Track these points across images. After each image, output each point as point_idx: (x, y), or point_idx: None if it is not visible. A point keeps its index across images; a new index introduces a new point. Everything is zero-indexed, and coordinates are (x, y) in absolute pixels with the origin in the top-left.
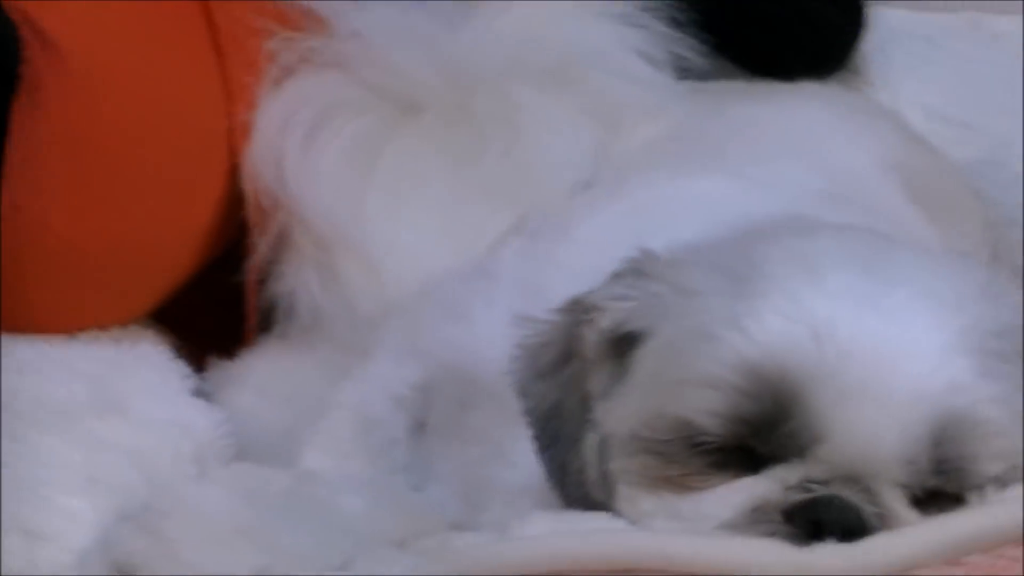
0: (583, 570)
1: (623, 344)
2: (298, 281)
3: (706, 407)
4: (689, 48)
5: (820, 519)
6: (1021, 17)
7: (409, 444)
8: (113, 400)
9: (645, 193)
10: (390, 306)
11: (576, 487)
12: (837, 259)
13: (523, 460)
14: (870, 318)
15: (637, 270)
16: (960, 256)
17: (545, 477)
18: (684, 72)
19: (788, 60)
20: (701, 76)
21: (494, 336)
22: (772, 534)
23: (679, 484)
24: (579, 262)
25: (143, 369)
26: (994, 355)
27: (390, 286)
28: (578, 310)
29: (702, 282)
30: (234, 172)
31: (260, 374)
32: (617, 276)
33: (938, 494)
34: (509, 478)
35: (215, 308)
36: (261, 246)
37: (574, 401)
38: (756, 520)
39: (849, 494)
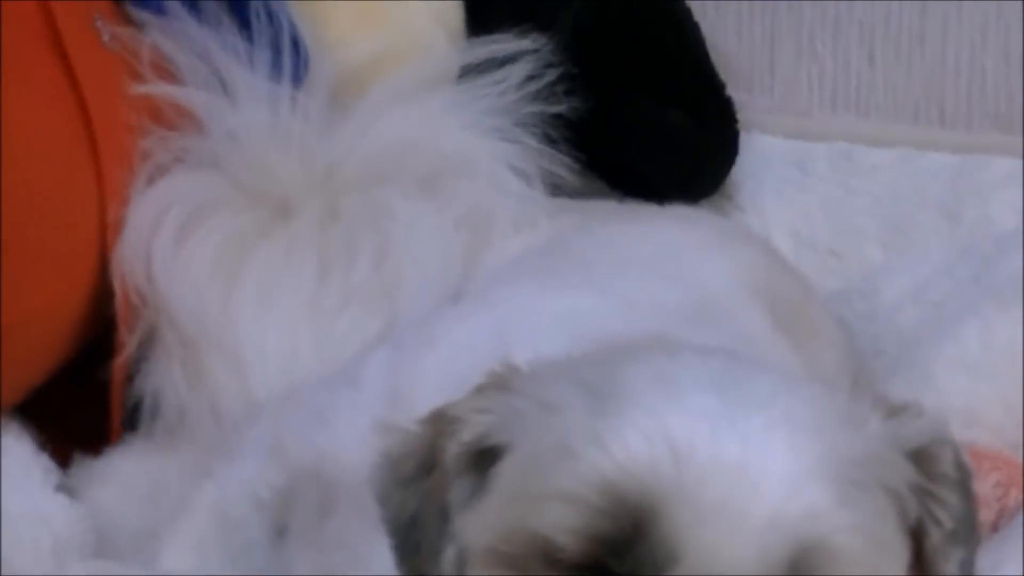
0: None
1: (484, 457)
2: (164, 380)
3: (562, 523)
4: (562, 165)
5: None
6: (892, 151)
7: (269, 548)
8: None
9: (511, 306)
10: (255, 408)
11: None
12: (699, 380)
13: (381, 569)
14: (729, 441)
15: (499, 384)
16: (821, 383)
17: None
18: (556, 189)
19: (660, 182)
20: (573, 194)
21: (357, 443)
22: None
23: None
24: (445, 372)
25: (5, 461)
26: (853, 483)
27: (256, 388)
28: (440, 421)
29: (564, 397)
30: (105, 267)
31: (124, 472)
32: (479, 389)
33: None
34: None
35: (83, 404)
36: (129, 343)
37: (433, 512)
38: None
39: None
